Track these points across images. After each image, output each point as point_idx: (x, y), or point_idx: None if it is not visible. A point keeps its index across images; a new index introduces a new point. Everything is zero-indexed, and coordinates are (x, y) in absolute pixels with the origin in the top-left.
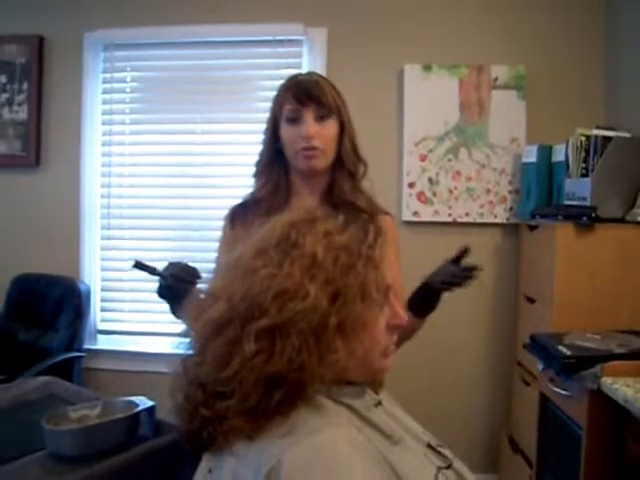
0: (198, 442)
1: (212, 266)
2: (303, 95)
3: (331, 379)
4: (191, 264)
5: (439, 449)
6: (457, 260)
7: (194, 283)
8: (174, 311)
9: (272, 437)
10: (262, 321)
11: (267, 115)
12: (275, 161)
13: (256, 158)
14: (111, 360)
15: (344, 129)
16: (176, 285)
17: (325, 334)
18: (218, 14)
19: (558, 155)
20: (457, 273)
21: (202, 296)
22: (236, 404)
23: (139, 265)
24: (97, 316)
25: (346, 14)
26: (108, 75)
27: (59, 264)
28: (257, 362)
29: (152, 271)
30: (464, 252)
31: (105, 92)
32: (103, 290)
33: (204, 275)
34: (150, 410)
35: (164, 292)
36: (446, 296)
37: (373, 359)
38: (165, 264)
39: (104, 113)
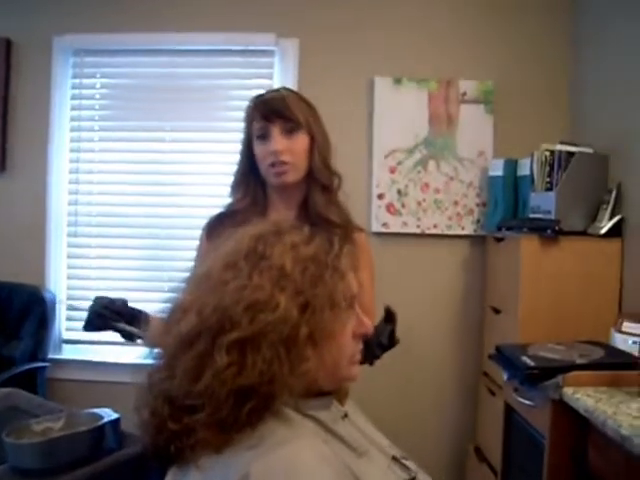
0: (164, 456)
1: (183, 275)
2: (269, 112)
3: (300, 391)
4: (120, 297)
5: (403, 461)
6: (388, 319)
7: (114, 319)
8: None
9: (239, 450)
10: (233, 333)
11: (238, 125)
12: (251, 175)
13: (234, 168)
14: (76, 370)
15: (313, 142)
16: (96, 322)
17: (296, 344)
18: (190, 22)
19: (523, 169)
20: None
21: (167, 311)
22: (206, 417)
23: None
24: (62, 325)
25: (318, 26)
26: (77, 81)
27: (24, 272)
28: (228, 375)
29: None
30: (389, 313)
31: (74, 98)
32: (69, 299)
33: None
34: (115, 422)
35: (87, 328)
36: (413, 306)
37: (341, 367)
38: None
39: (72, 119)
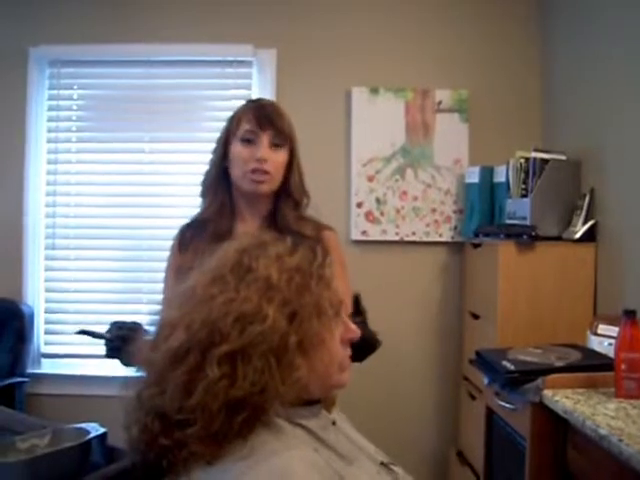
0: (155, 472)
1: (160, 286)
2: (264, 119)
3: (291, 400)
4: (135, 320)
5: (391, 467)
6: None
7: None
8: (125, 364)
9: (231, 461)
10: (223, 346)
11: (217, 135)
12: (221, 180)
13: (202, 177)
14: (56, 385)
15: (294, 160)
16: (125, 348)
17: (286, 354)
18: (168, 33)
19: (499, 176)
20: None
21: (155, 328)
22: (198, 431)
23: (84, 332)
24: (41, 339)
25: (296, 36)
26: (54, 92)
27: (0, 286)
28: (220, 388)
29: (98, 336)
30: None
31: (51, 109)
32: (47, 312)
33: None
34: (101, 437)
35: (113, 354)
36: (393, 313)
37: (332, 373)
38: (108, 326)
39: (50, 131)
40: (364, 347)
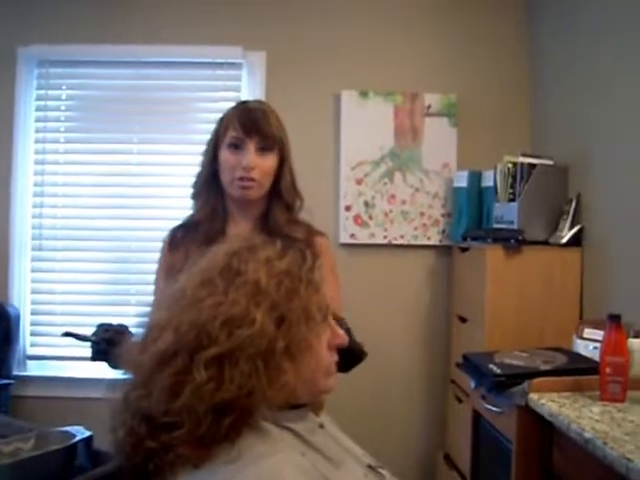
0: (141, 476)
1: (148, 288)
2: (250, 124)
3: (278, 403)
4: (121, 322)
5: (378, 469)
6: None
7: None
8: (112, 366)
9: (218, 465)
10: (211, 349)
11: (207, 137)
12: (212, 183)
13: (193, 179)
14: (42, 387)
15: (284, 162)
16: (112, 350)
17: (273, 358)
18: (157, 35)
19: (487, 180)
20: None
21: (144, 329)
22: (185, 434)
23: (69, 334)
24: (27, 341)
25: (285, 39)
26: (42, 92)
27: None
28: (207, 390)
29: (84, 339)
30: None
31: (39, 109)
32: (33, 314)
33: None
34: (87, 440)
35: (99, 357)
36: (380, 316)
37: (318, 378)
38: (94, 328)
39: (37, 131)
40: (350, 358)
